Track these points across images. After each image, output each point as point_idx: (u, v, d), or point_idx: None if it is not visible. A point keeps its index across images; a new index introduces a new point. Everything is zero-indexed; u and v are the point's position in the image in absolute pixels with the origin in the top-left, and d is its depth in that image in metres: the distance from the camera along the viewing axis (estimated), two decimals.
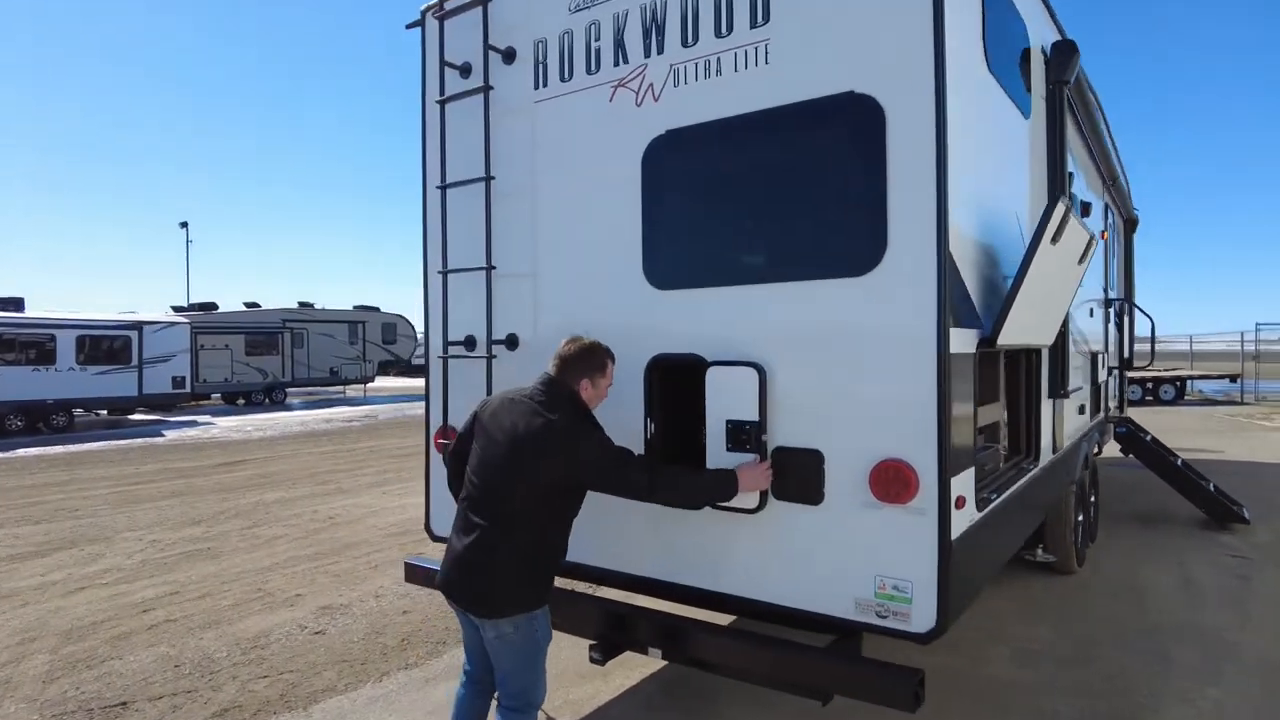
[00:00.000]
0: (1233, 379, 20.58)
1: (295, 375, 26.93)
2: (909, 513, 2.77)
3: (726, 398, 3.12)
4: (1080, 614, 5.19)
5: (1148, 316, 7.88)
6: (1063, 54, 4.34)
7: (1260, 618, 5.16)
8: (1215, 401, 21.09)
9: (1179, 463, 7.70)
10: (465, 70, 3.99)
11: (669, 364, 3.35)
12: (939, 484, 2.72)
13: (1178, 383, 21.08)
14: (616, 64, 3.48)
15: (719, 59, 3.18)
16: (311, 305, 28.67)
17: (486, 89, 3.80)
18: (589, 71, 3.57)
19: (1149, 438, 7.87)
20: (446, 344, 3.98)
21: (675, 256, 3.36)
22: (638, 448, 3.38)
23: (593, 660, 3.40)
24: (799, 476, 2.99)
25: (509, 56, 3.84)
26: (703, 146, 3.26)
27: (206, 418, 22.23)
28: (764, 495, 3.04)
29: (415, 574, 4.09)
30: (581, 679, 4.43)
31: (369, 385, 30.95)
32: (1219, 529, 7.43)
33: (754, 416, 3.04)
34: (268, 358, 26.05)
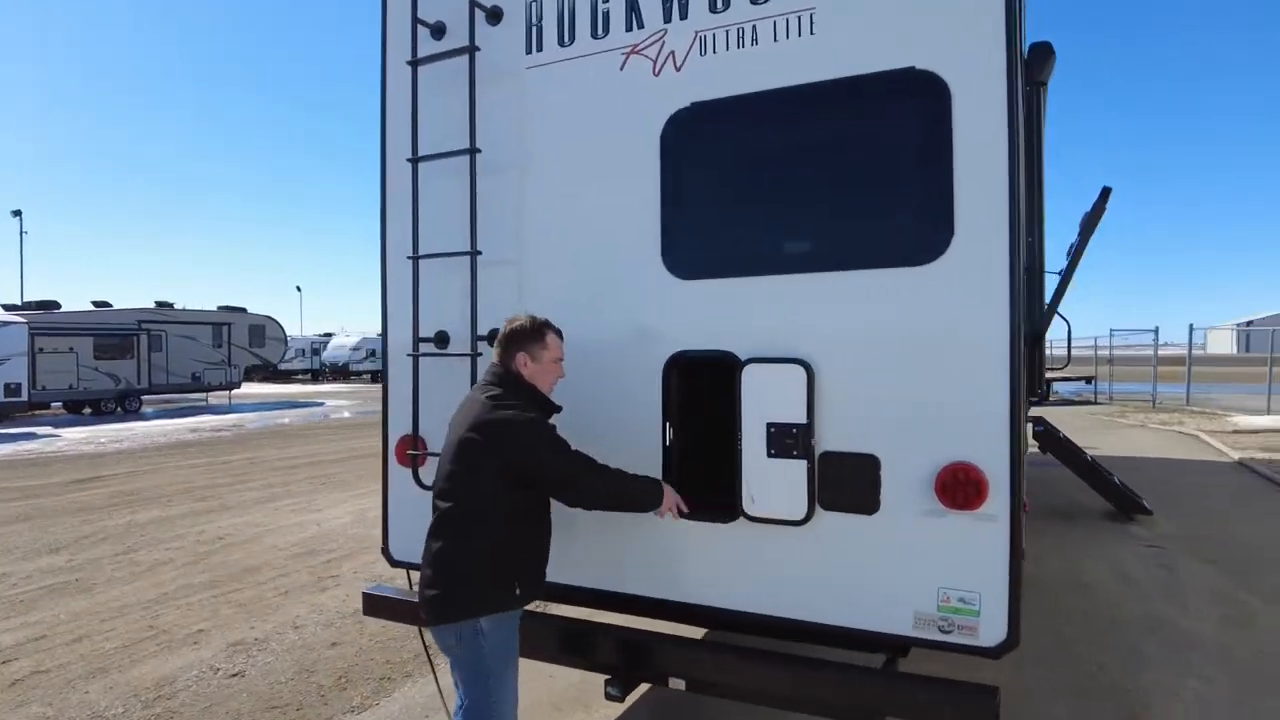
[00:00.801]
0: (1088, 380, 22.48)
1: (153, 381, 24.42)
2: (978, 519, 2.57)
3: (767, 399, 2.83)
4: (1044, 611, 5.27)
5: (1065, 320, 8.29)
6: (1041, 55, 4.37)
7: (1198, 606, 5.42)
8: (1073, 402, 22.90)
9: (1089, 459, 8.12)
10: (438, 30, 3.51)
11: (691, 362, 3.03)
12: (1010, 488, 2.55)
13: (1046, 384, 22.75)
14: (629, 28, 3.13)
15: (754, 27, 2.89)
16: (170, 305, 26.18)
17: (473, 49, 3.34)
18: (595, 36, 3.20)
19: (1061, 435, 8.27)
20: (418, 340, 3.48)
21: (703, 242, 3.04)
22: (654, 455, 3.05)
23: (609, 697, 3.03)
24: (852, 483, 2.74)
25: (494, 16, 3.41)
26: (736, 122, 2.96)
27: (48, 429, 19.75)
28: (812, 504, 2.78)
29: (377, 606, 3.56)
30: (557, 710, 4.02)
31: (235, 392, 28.58)
32: (1126, 520, 7.89)
33: (801, 419, 2.77)
34: (121, 362, 23.48)
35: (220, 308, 27.72)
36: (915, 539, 2.67)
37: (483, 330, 3.37)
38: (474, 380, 3.31)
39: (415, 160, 3.46)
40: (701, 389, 3.15)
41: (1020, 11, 2.53)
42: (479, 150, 3.32)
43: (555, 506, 3.16)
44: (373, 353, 43.52)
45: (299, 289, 69.04)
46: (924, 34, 2.63)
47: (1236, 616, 5.21)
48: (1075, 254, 3.06)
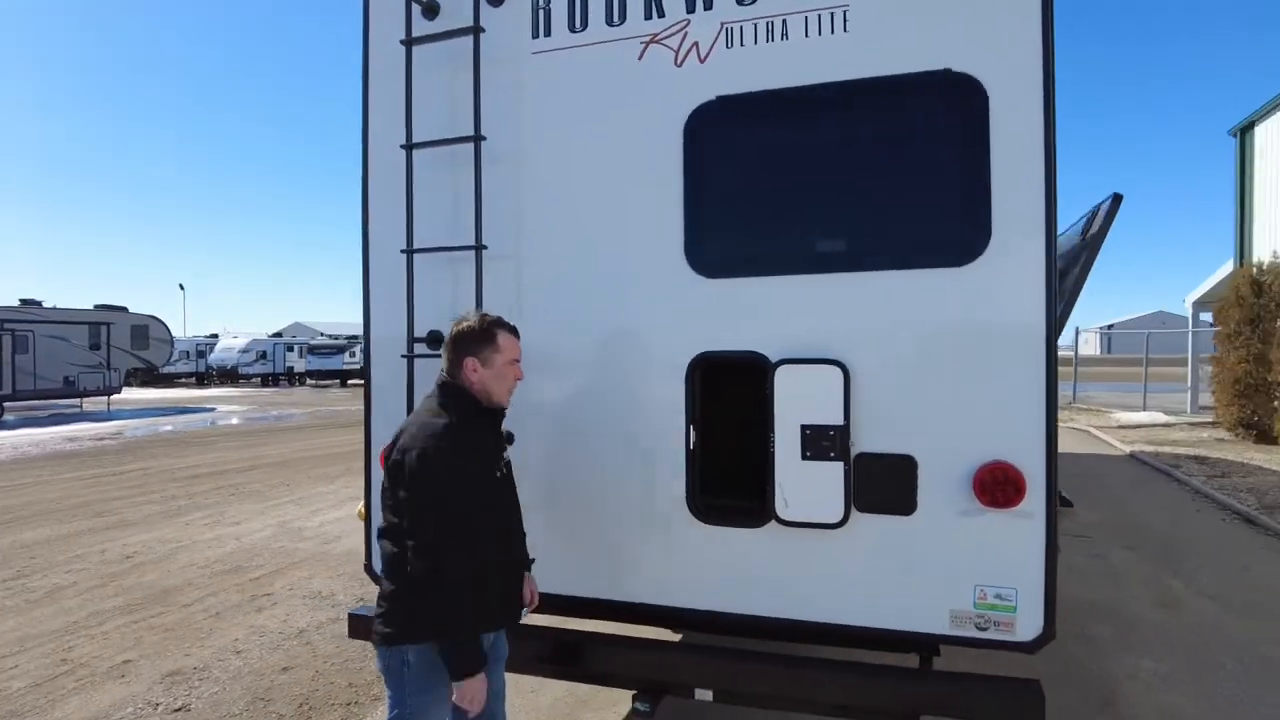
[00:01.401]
0: None
1: (17, 386, 22.22)
2: (1016, 517, 2.61)
3: (802, 400, 2.78)
4: None
5: None
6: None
7: (1133, 591, 5.78)
8: None
9: None
10: (430, 9, 3.29)
11: (716, 363, 2.95)
12: (1046, 485, 2.60)
13: None
14: (649, 16, 3.02)
15: (785, 21, 2.84)
16: (39, 303, 23.92)
17: (477, 30, 3.15)
18: (610, 23, 3.07)
19: None
20: (413, 340, 3.24)
21: (730, 240, 2.97)
22: (677, 460, 2.95)
23: (639, 712, 2.90)
24: (889, 485, 2.73)
25: None
26: (767, 117, 2.91)
27: None
28: (848, 507, 2.74)
29: (366, 629, 3.29)
30: None
31: (114, 397, 26.40)
32: None
33: (838, 420, 2.74)
34: None
35: (97, 306, 25.56)
36: (952, 538, 2.68)
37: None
38: None
39: (410, 147, 3.22)
40: (725, 391, 3.08)
41: (1051, 12, 2.57)
42: (484, 138, 3.13)
43: (552, 513, 3.03)
44: (263, 354, 41.30)
45: (182, 287, 64.08)
46: (961, 36, 2.65)
47: (1167, 599, 5.59)
48: (1085, 264, 3.16)
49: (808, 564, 2.84)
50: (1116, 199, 3.24)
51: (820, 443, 2.76)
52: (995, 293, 2.63)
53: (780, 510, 2.81)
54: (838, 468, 2.74)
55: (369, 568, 3.45)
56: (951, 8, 2.67)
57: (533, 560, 2.71)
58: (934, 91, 2.69)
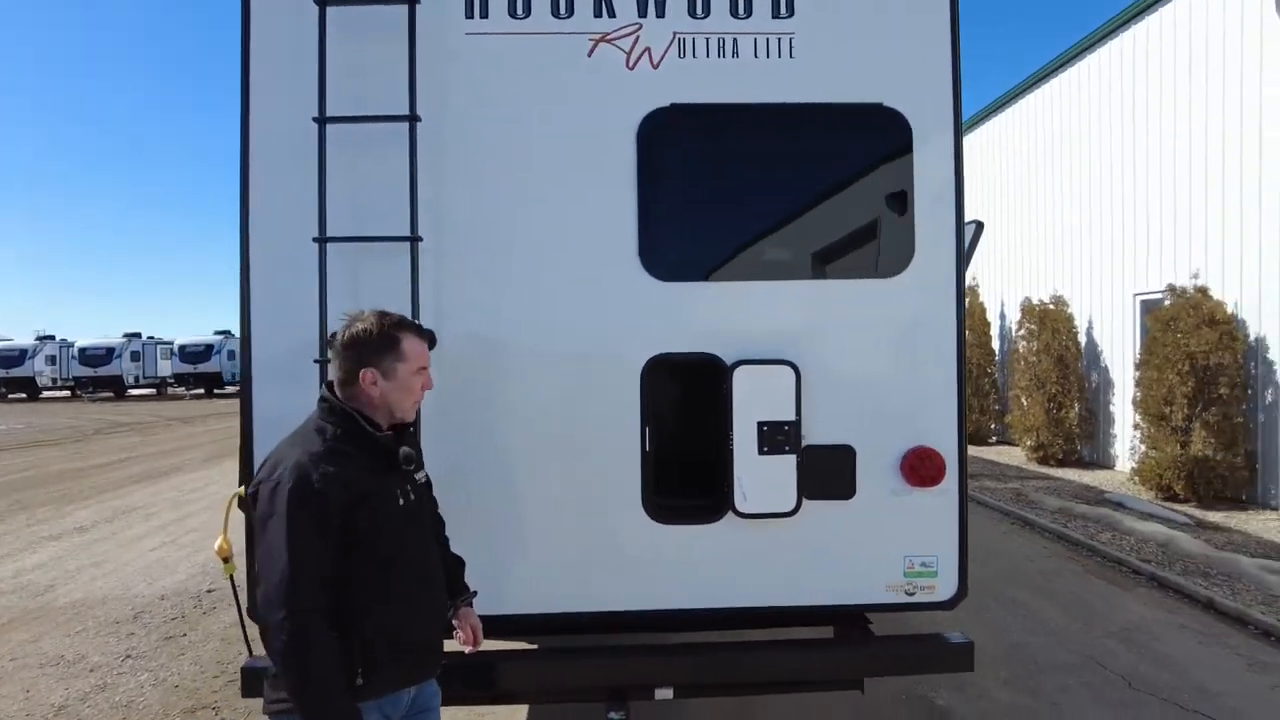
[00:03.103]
0: None
1: None
2: (937, 494, 3.03)
3: (758, 398, 2.95)
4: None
5: None
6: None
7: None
8: None
9: None
10: None
11: (671, 366, 3.00)
12: (959, 465, 3.06)
13: None
14: (598, 14, 2.98)
15: (735, 40, 2.99)
16: None
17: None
18: (556, 14, 2.98)
19: None
20: (326, 345, 2.81)
21: (686, 245, 3.04)
22: (632, 462, 2.95)
23: None
24: (832, 473, 3.00)
25: None
26: (721, 128, 3.03)
27: None
28: (799, 496, 2.96)
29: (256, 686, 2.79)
30: None
31: None
32: None
33: (791, 416, 2.95)
34: None
35: None
36: (886, 517, 3.03)
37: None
38: None
39: (323, 121, 2.81)
40: (676, 392, 3.13)
41: (959, 60, 3.05)
42: (419, 118, 2.84)
43: (500, 528, 2.88)
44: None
45: None
46: (889, 74, 3.02)
47: None
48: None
49: (762, 552, 3.00)
50: (979, 226, 3.89)
51: (776, 437, 2.94)
52: (918, 300, 3.03)
53: (739, 503, 2.94)
54: (791, 460, 2.95)
55: (252, 611, 2.91)
56: (881, 47, 3.02)
57: (474, 593, 2.46)
58: (869, 123, 3.03)
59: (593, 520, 2.98)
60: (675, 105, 2.97)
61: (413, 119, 2.83)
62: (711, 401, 3.00)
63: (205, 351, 38.50)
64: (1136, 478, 9.13)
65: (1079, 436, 11.33)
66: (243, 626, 3.05)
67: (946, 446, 3.02)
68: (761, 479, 2.94)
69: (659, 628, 3.09)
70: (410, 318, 2.41)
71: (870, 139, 3.07)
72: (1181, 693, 4.04)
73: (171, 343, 40.23)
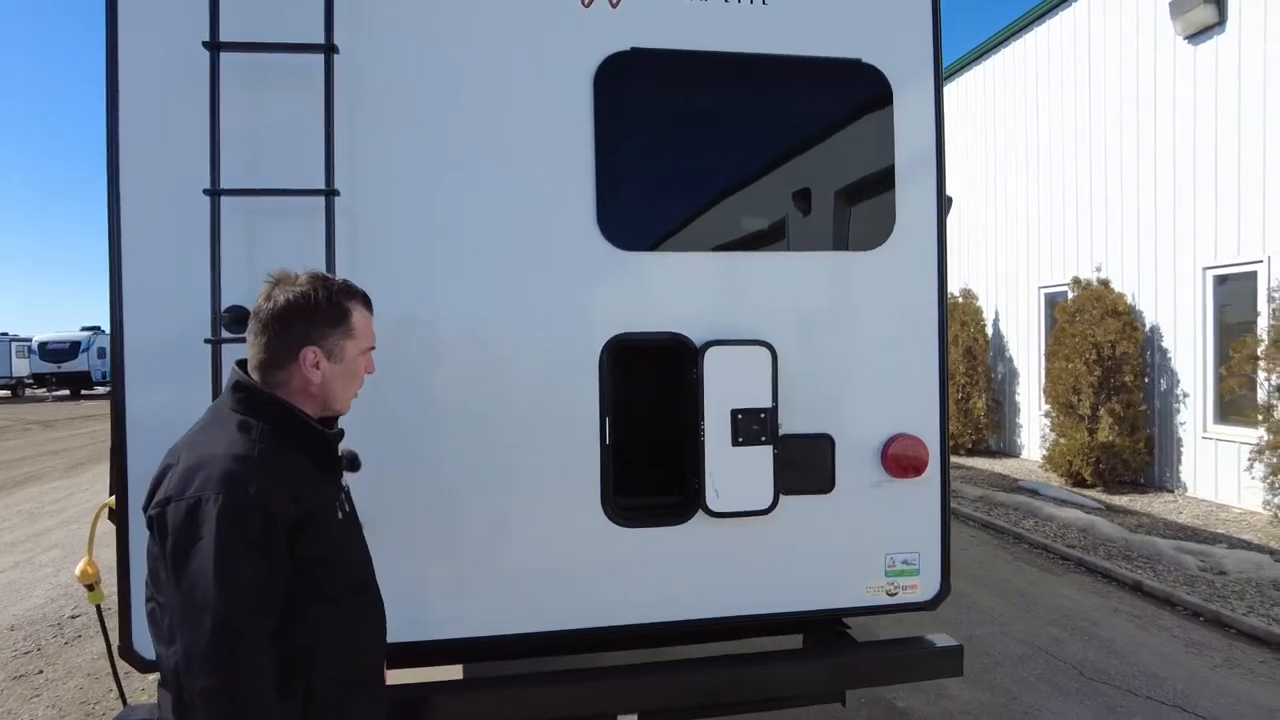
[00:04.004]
0: None
1: None
2: (919, 485, 2.80)
3: (732, 383, 2.63)
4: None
5: None
6: None
7: None
8: None
9: None
10: None
11: (634, 348, 2.64)
12: (941, 453, 2.83)
13: None
14: None
15: None
16: None
17: None
18: None
19: None
20: (219, 320, 2.31)
21: (651, 209, 2.69)
22: (590, 459, 2.58)
23: None
24: (811, 465, 2.72)
25: None
26: (686, 78, 2.69)
27: None
28: (776, 491, 2.66)
29: None
30: None
31: None
32: None
33: (768, 403, 2.64)
34: None
35: None
36: (865, 511, 2.77)
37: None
38: None
39: (216, 48, 2.30)
40: (640, 378, 2.77)
41: (939, 16, 2.82)
42: (337, 50, 2.37)
43: (433, 541, 2.47)
44: None
45: None
46: (868, 28, 2.76)
47: None
48: None
49: (735, 556, 2.69)
50: (949, 201, 3.70)
51: (751, 427, 2.63)
52: (899, 276, 2.79)
53: (710, 502, 2.61)
54: (767, 452, 2.65)
55: (129, 647, 2.37)
56: (861, 3, 2.76)
57: None
58: (848, 80, 2.76)
59: (544, 526, 2.59)
60: (636, 50, 2.61)
61: (329, 50, 2.35)
62: (679, 388, 2.67)
63: (70, 349, 35.16)
64: (1048, 465, 9.42)
65: (986, 426, 11.67)
66: (114, 670, 2.50)
67: (929, 434, 2.80)
68: (735, 473, 2.63)
69: (620, 646, 2.74)
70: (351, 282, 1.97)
71: (848, 97, 2.80)
72: (1133, 679, 4.00)
73: (29, 340, 36.62)
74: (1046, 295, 10.78)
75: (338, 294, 1.65)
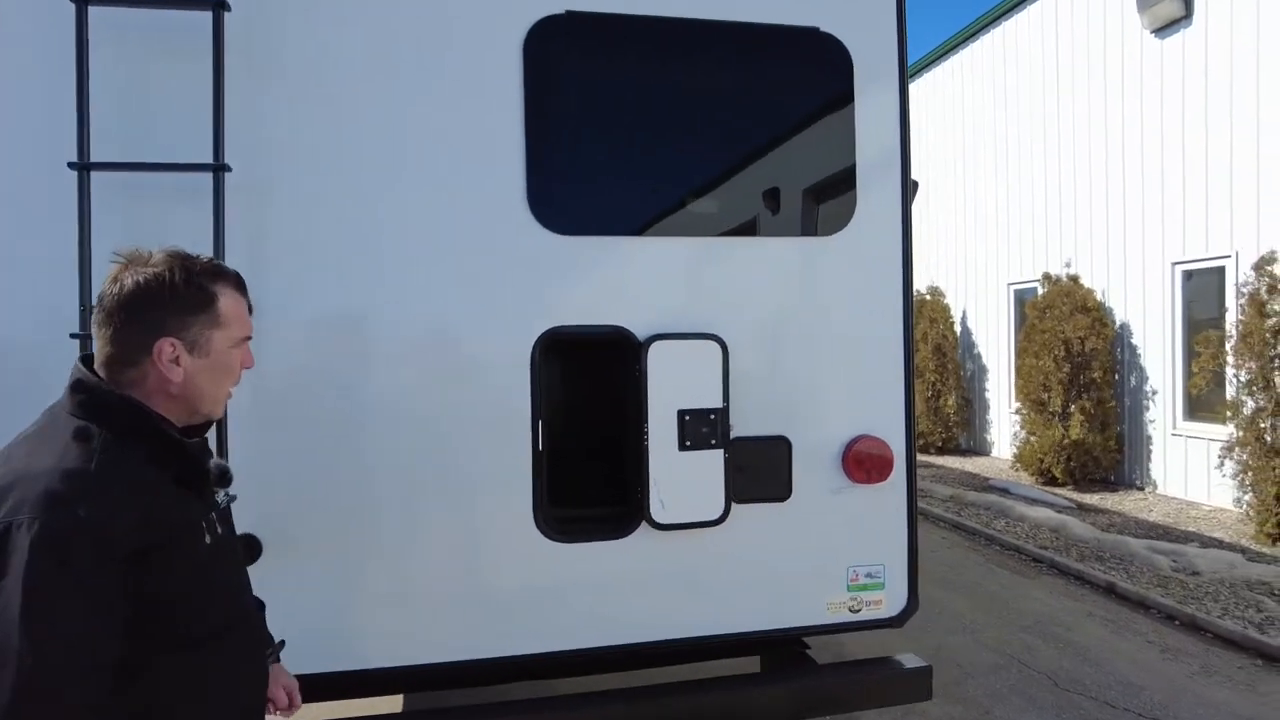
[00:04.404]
0: None
1: None
2: (883, 491, 2.58)
3: (678, 381, 2.39)
4: None
5: None
6: None
7: None
8: None
9: None
10: None
11: (570, 343, 2.39)
12: (907, 456, 2.62)
13: None
14: None
15: None
16: None
17: None
18: None
19: None
20: (89, 315, 2.02)
21: (591, 191, 2.45)
22: (522, 467, 2.33)
23: None
24: (765, 471, 2.49)
25: None
26: (625, 45, 2.45)
27: None
28: (728, 500, 2.43)
29: None
30: None
31: None
32: None
33: (718, 402, 2.41)
34: None
35: None
36: (826, 521, 2.55)
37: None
38: None
39: (84, 0, 2.01)
40: (577, 377, 2.53)
41: None
42: (227, 7, 2.09)
43: (341, 557, 2.21)
44: None
45: None
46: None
47: None
48: None
49: (685, 573, 2.45)
50: (915, 185, 3.48)
51: (700, 429, 2.40)
52: (860, 263, 2.57)
53: (655, 512, 2.37)
54: (718, 456, 2.41)
55: None
56: None
57: (280, 643, 1.69)
58: (804, 50, 2.53)
59: (470, 542, 2.34)
60: (572, 13, 2.35)
61: (218, 6, 2.07)
62: (621, 387, 2.42)
63: None
64: (1018, 463, 9.32)
65: (956, 424, 11.58)
66: None
67: (894, 435, 2.58)
68: (683, 481, 2.39)
69: (557, 673, 2.49)
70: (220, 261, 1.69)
71: (806, 69, 2.58)
72: (1109, 689, 3.83)
73: None
74: (1016, 292, 10.70)
75: (200, 275, 1.36)
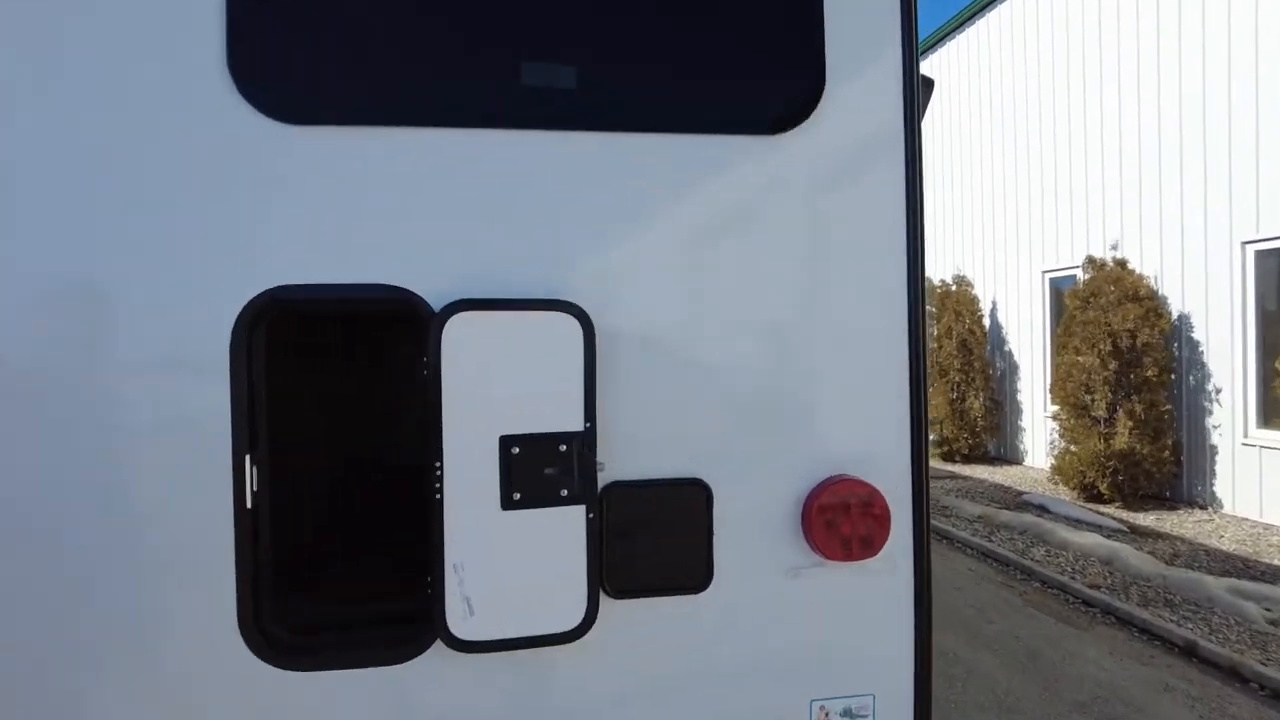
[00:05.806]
0: None
1: None
2: (873, 572, 1.51)
3: (500, 385, 1.34)
4: None
5: None
6: None
7: None
8: None
9: None
10: None
11: (304, 316, 1.36)
12: (914, 514, 1.54)
13: None
14: None
15: None
16: None
17: None
18: None
19: None
20: None
21: (341, 48, 1.39)
22: (217, 531, 1.30)
23: None
24: (666, 541, 1.43)
25: None
26: None
27: None
28: (595, 594, 1.38)
29: None
30: None
31: None
32: None
33: (576, 424, 1.35)
34: None
35: None
36: (772, 625, 1.49)
37: None
38: None
39: None
40: (320, 378, 1.49)
41: None
42: None
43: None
44: None
45: None
46: None
47: None
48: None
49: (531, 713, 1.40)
50: (928, 84, 2.43)
51: (542, 470, 1.35)
52: (830, 176, 1.50)
53: (455, 622, 1.32)
54: (575, 516, 1.36)
55: None
56: None
57: None
58: None
59: (130, 673, 1.30)
60: None
61: None
62: (399, 394, 1.38)
63: None
64: (1056, 475, 8.13)
65: (985, 430, 10.39)
66: None
67: (891, 476, 1.51)
68: (508, 562, 1.34)
69: None
70: None
71: None
72: None
73: None
74: (1051, 280, 9.49)
75: None
